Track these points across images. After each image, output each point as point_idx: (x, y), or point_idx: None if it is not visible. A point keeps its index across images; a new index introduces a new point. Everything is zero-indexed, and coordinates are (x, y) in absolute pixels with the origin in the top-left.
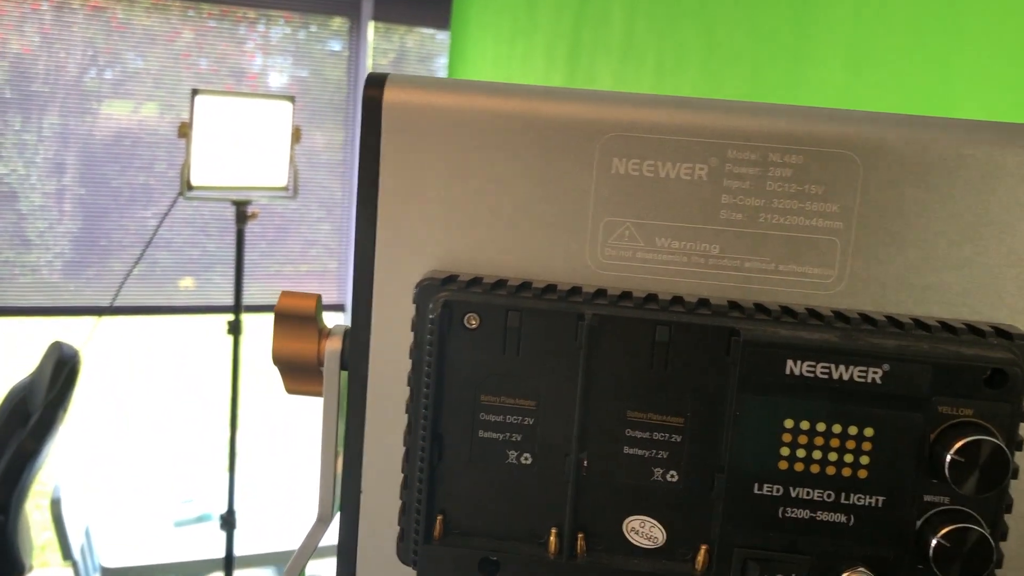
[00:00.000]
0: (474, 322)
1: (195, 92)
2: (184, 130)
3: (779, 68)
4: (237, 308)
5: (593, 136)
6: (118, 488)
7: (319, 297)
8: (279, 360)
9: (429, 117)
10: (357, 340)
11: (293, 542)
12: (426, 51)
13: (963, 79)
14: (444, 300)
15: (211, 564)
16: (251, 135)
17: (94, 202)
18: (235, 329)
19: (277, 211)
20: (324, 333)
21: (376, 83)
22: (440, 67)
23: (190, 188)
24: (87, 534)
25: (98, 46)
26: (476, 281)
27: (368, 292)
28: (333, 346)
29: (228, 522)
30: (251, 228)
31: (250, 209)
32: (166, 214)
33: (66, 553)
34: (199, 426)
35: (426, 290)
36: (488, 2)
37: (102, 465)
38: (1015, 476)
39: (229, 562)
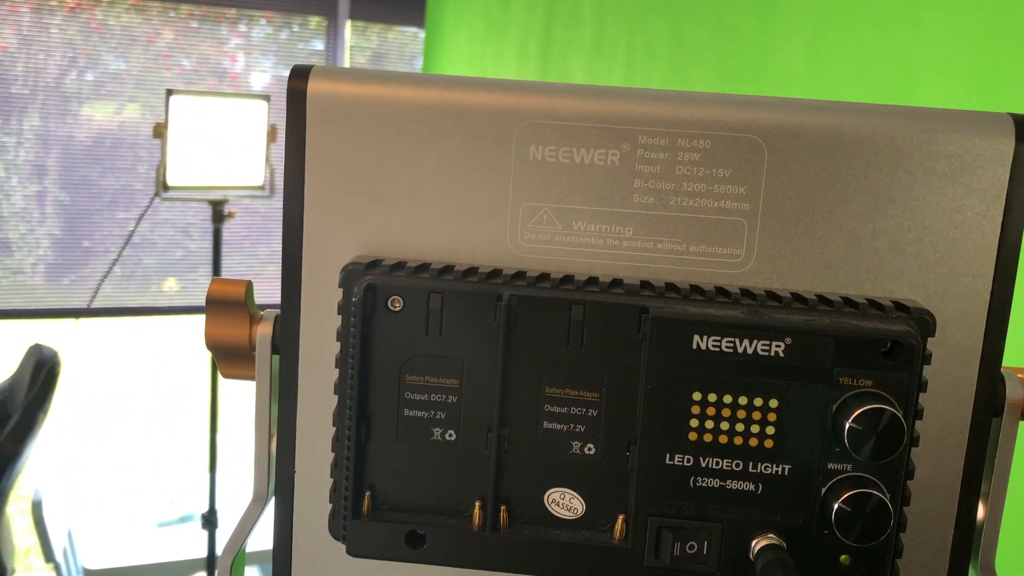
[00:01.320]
0: (398, 304)
1: (170, 92)
2: (159, 130)
3: (744, 61)
4: None
5: (511, 124)
6: (100, 490)
7: (249, 283)
8: (212, 345)
9: (353, 107)
10: (287, 324)
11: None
12: (406, 50)
13: (923, 69)
14: (368, 283)
15: (193, 564)
16: (227, 135)
17: (75, 205)
18: None
19: (255, 210)
20: (255, 318)
21: (300, 75)
22: (418, 66)
23: (166, 188)
24: (69, 537)
25: (77, 48)
26: (400, 265)
27: (297, 278)
28: (264, 331)
29: (210, 522)
30: (230, 227)
31: (227, 208)
32: (142, 215)
33: (48, 556)
34: (180, 426)
35: (351, 274)
36: (462, 1)
37: (83, 467)
38: (915, 444)
39: (211, 562)
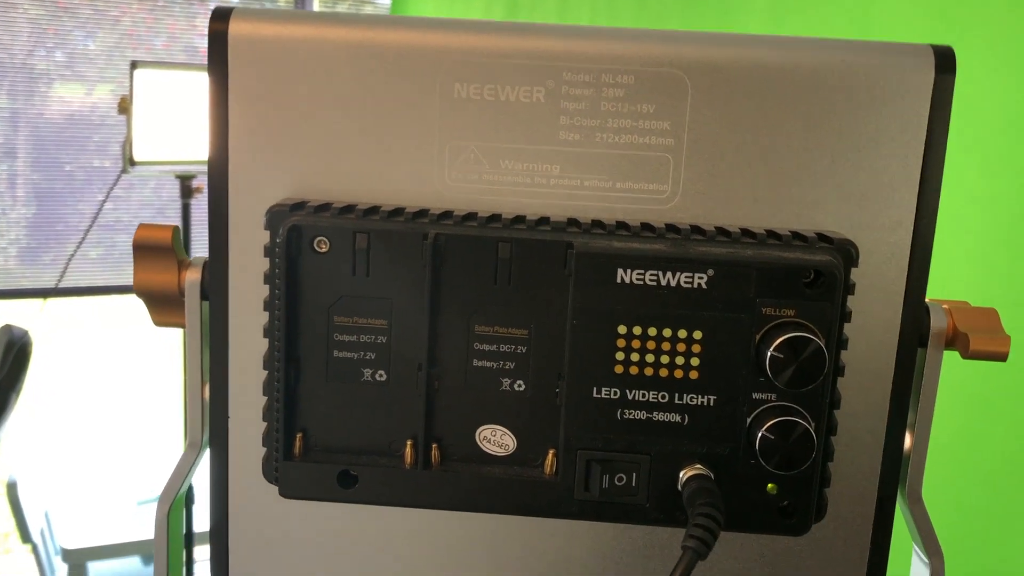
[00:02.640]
0: (324, 246)
1: (134, 65)
2: (124, 104)
3: (707, 22)
4: None
5: (434, 62)
6: (76, 470)
7: (176, 228)
8: (141, 291)
9: (276, 48)
10: (215, 270)
11: None
12: None
13: (881, 31)
14: (292, 225)
15: None
16: (193, 108)
17: (49, 187)
18: None
19: None
20: (184, 264)
21: (221, 16)
22: None
23: (133, 164)
24: (46, 517)
25: (44, 27)
26: (325, 206)
27: (224, 223)
28: (192, 276)
29: (187, 498)
30: (200, 203)
31: (195, 183)
32: (109, 190)
33: (25, 536)
34: (155, 405)
35: (276, 216)
36: None
37: (59, 448)
38: (841, 374)
39: (189, 538)
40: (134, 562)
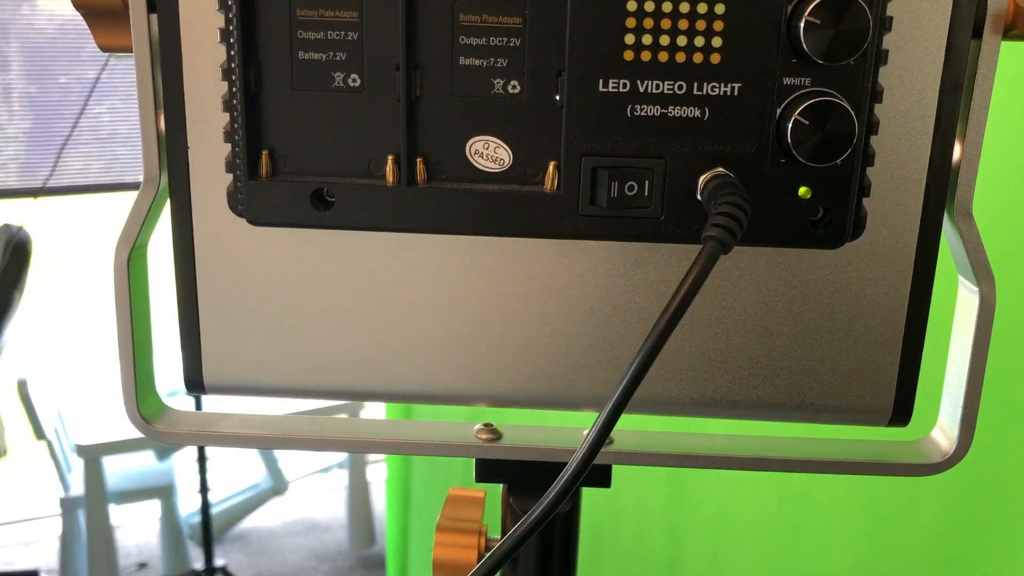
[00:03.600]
0: None
1: None
2: None
3: None
4: None
5: None
6: (85, 369)
7: None
8: (80, 4)
9: None
10: None
11: (260, 407)
12: None
13: None
14: None
15: None
16: None
17: (44, 99)
18: None
19: None
20: None
21: None
22: None
23: None
24: (59, 417)
25: None
26: None
27: None
28: None
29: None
30: None
31: None
32: (97, 78)
33: (39, 433)
34: (158, 301)
35: None
36: None
37: (66, 347)
38: (883, 60)
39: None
40: (148, 456)
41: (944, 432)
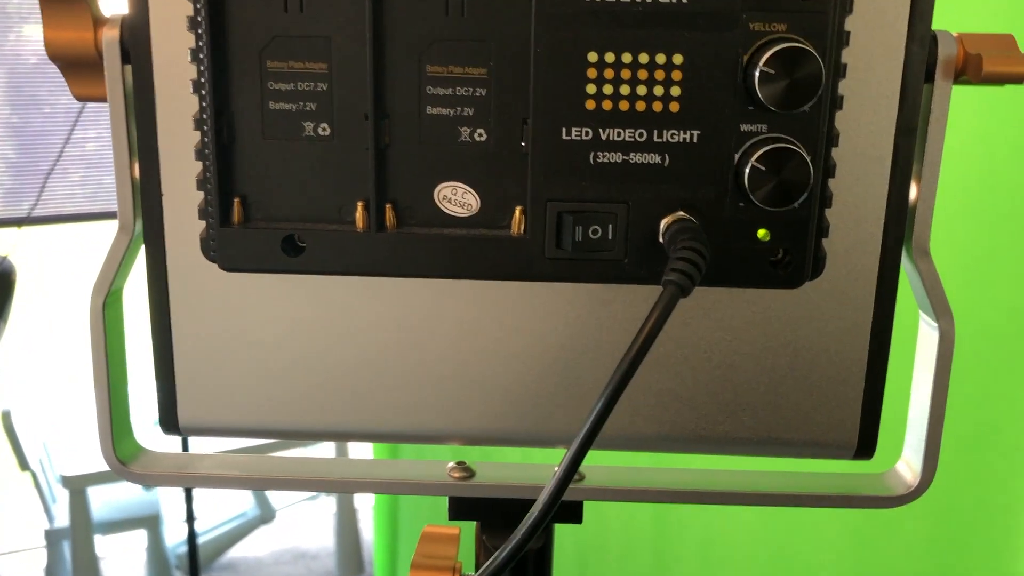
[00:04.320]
0: None
1: None
2: None
3: None
4: None
5: None
6: (71, 398)
7: None
8: (55, 56)
9: None
10: (135, 25)
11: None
12: None
13: None
14: None
15: None
16: None
17: (27, 126)
18: None
19: None
20: (100, 22)
21: None
22: None
23: None
24: (44, 448)
25: None
26: None
27: None
28: (111, 35)
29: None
30: None
31: None
32: (81, 109)
33: (23, 464)
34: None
35: None
36: None
37: (52, 376)
38: (839, 106)
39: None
40: (134, 486)
41: (908, 465)
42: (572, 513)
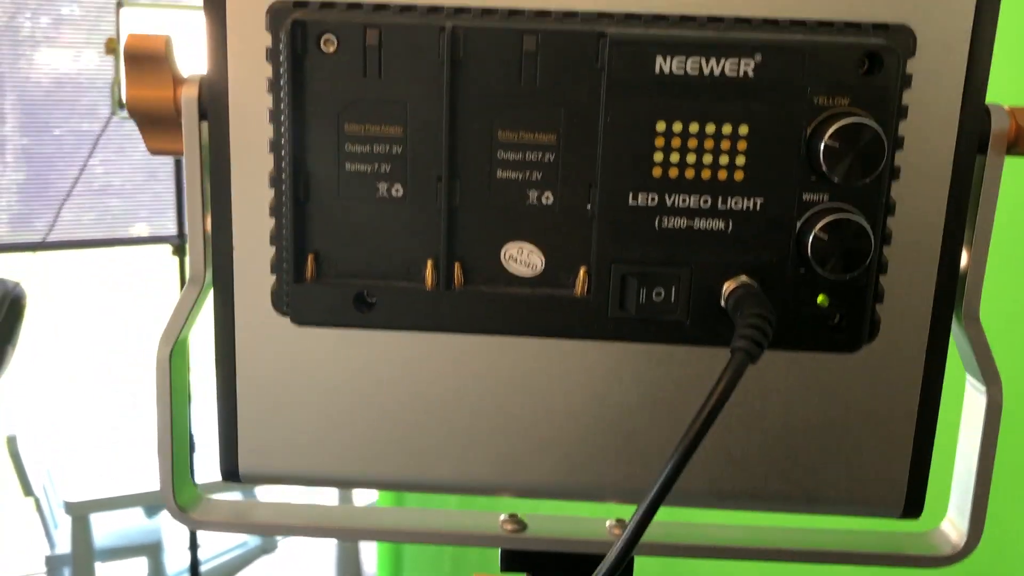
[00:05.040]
0: (331, 45)
1: (120, 4)
2: (112, 45)
3: None
4: (181, 231)
5: None
6: (77, 424)
7: (168, 39)
8: (134, 110)
9: None
10: (213, 84)
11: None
12: None
13: None
14: (295, 20)
15: None
16: (182, 46)
17: (38, 151)
18: (180, 251)
19: None
20: (179, 80)
21: None
22: None
23: (122, 106)
24: (48, 475)
25: None
26: (331, 3)
27: (221, 29)
28: (190, 93)
29: (189, 446)
30: None
31: None
32: (100, 134)
33: (27, 490)
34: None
35: (278, 14)
36: None
37: (59, 402)
38: (896, 176)
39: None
40: (136, 513)
41: (954, 525)
42: (625, 570)
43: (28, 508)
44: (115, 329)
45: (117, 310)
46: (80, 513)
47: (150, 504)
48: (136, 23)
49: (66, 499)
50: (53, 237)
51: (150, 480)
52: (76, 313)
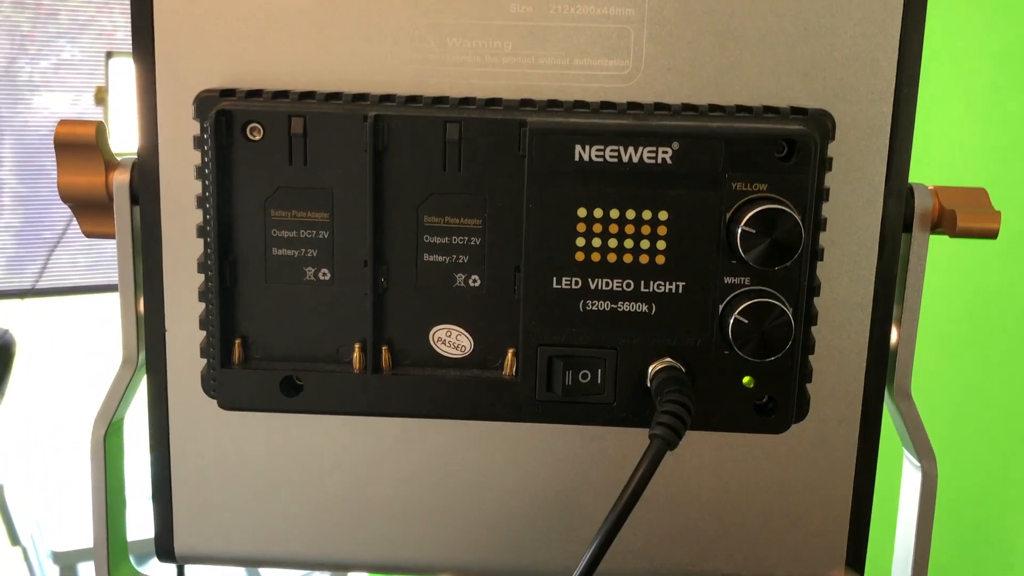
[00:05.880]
0: (257, 133)
1: (109, 55)
2: (101, 95)
3: None
4: None
5: None
6: (65, 473)
7: (100, 124)
8: (67, 197)
9: None
10: (145, 169)
11: None
12: None
13: None
14: (221, 109)
15: None
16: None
17: (34, 195)
18: None
19: None
20: (111, 165)
21: None
22: None
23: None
24: (37, 525)
25: (25, 33)
26: (258, 92)
27: (153, 115)
28: (121, 178)
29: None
30: None
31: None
32: None
33: (14, 539)
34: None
35: (205, 103)
36: None
37: (46, 451)
38: (820, 257)
39: None
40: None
41: None
42: None
43: (16, 558)
44: (105, 377)
45: (108, 357)
46: (67, 563)
47: (139, 552)
48: (126, 74)
49: (53, 549)
50: (46, 284)
51: (137, 529)
52: (67, 361)
